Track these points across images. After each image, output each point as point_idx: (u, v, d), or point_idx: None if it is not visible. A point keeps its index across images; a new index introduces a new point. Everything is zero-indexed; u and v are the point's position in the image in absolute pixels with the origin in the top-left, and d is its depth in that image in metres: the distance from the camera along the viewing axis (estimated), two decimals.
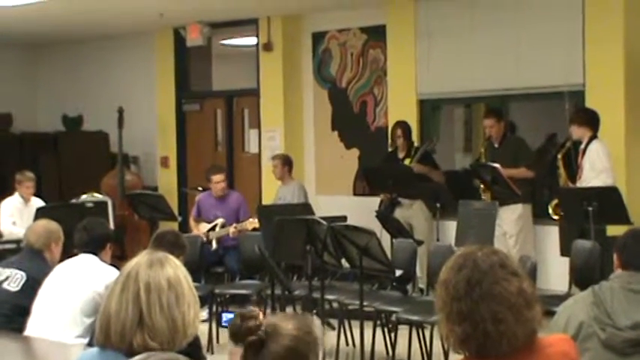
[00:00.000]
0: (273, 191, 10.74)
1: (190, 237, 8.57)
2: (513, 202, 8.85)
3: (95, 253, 5.56)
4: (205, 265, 9.02)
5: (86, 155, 13.34)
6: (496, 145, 9.22)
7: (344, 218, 8.45)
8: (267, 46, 11.65)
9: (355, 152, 11.31)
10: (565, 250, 8.13)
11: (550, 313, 3.45)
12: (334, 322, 8.09)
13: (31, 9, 10.66)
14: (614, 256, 3.82)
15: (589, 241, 7.18)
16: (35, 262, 5.79)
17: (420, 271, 8.76)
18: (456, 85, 10.28)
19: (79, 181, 12.28)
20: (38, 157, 13.39)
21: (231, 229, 9.43)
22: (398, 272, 7.14)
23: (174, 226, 10.05)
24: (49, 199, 10.81)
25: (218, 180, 9.86)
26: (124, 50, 13.64)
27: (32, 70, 14.72)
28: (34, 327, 5.29)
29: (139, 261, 2.84)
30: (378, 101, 11.05)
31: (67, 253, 5.85)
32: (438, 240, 8.82)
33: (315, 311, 7.57)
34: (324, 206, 10.26)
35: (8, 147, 13.56)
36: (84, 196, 10.91)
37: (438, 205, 8.91)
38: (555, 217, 8.61)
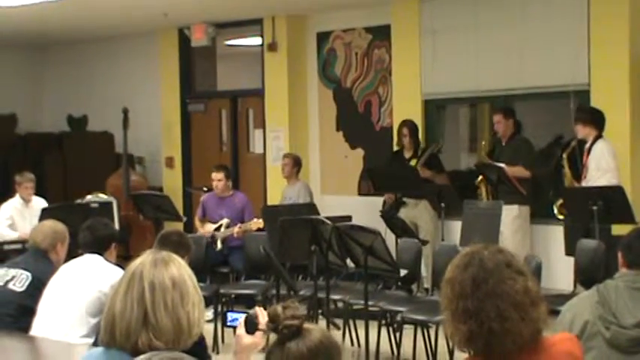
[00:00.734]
0: (278, 191, 10.74)
1: (195, 237, 8.59)
2: (510, 203, 8.79)
3: (100, 254, 5.57)
4: (210, 265, 9.02)
5: (91, 156, 13.36)
6: (503, 144, 9.22)
7: (349, 218, 8.45)
8: (272, 46, 11.66)
9: (360, 152, 11.31)
10: (570, 250, 8.12)
11: (555, 313, 3.45)
12: (339, 321, 8.09)
13: (35, 9, 10.68)
14: (619, 255, 3.82)
15: (594, 241, 7.18)
16: (40, 262, 5.80)
17: (425, 271, 8.76)
18: (460, 85, 10.27)
19: (83, 181, 12.29)
20: (43, 157, 13.41)
21: (236, 229, 9.43)
22: (403, 272, 7.14)
23: (179, 226, 10.07)
24: (54, 200, 10.82)
25: (215, 178, 9.86)
26: (128, 51, 13.65)
27: (37, 70, 14.74)
28: (39, 327, 5.29)
29: (144, 260, 2.84)
30: (383, 101, 11.05)
31: (72, 254, 5.86)
32: (442, 240, 8.82)
33: (320, 311, 7.57)
34: (329, 206, 10.26)
35: (13, 147, 13.59)
36: (89, 197, 10.91)
37: (443, 204, 8.92)
38: (560, 217, 8.60)
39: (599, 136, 8.25)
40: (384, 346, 7.46)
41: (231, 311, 2.85)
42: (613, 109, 8.60)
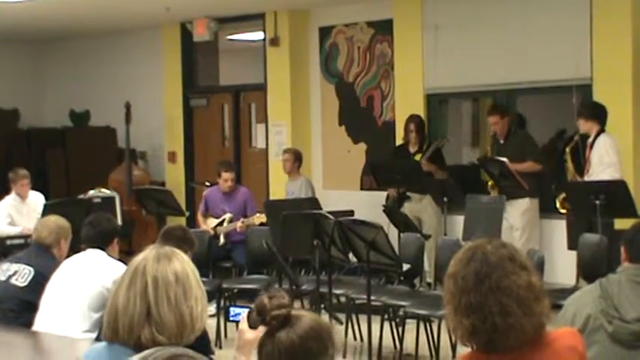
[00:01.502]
0: (280, 186, 10.74)
1: (198, 232, 8.60)
2: (520, 197, 8.86)
3: (102, 248, 5.57)
4: (213, 260, 9.03)
5: (93, 151, 13.36)
6: (502, 141, 9.22)
7: (351, 213, 8.45)
8: (274, 41, 11.65)
9: (362, 147, 11.31)
10: (572, 244, 8.12)
11: (557, 307, 3.44)
12: (342, 316, 8.10)
13: (38, 4, 10.68)
14: (622, 250, 3.81)
15: (596, 235, 7.18)
16: (43, 257, 5.80)
17: (428, 266, 8.76)
18: (463, 79, 10.26)
19: (86, 176, 12.30)
20: (45, 152, 13.42)
21: (239, 224, 9.44)
22: (405, 266, 7.15)
23: (181, 221, 10.07)
24: (56, 195, 10.84)
25: (227, 178, 9.88)
26: (131, 45, 13.65)
27: (39, 65, 14.75)
28: (41, 322, 5.30)
29: (147, 255, 2.84)
30: (385, 96, 11.05)
31: (74, 249, 5.86)
32: (445, 234, 8.82)
33: (322, 306, 7.58)
34: (332, 201, 10.26)
35: (16, 143, 13.60)
36: (91, 192, 10.91)
37: (446, 199, 8.92)
38: (563, 211, 8.60)
39: (601, 131, 8.25)
40: (387, 340, 7.46)
41: (234, 306, 2.86)
42: (616, 103, 8.59)
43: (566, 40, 9.32)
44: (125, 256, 5.44)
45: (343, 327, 7.78)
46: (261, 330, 2.84)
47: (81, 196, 10.72)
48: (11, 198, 10.04)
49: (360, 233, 6.87)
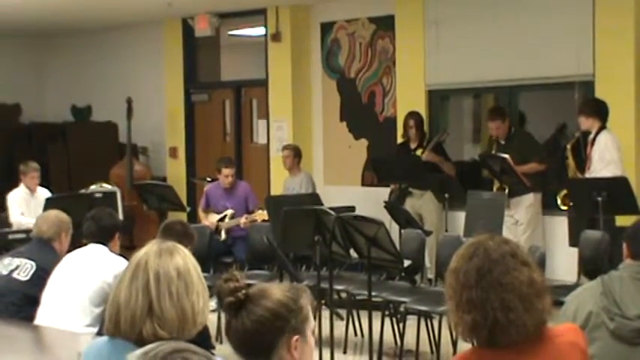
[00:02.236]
0: (281, 181, 10.74)
1: (199, 227, 8.59)
2: (524, 193, 8.86)
3: (104, 243, 5.58)
4: (214, 256, 9.03)
5: (95, 146, 13.36)
6: (502, 142, 9.19)
7: (352, 208, 8.45)
8: (276, 37, 11.65)
9: (364, 142, 11.31)
10: (574, 240, 8.12)
11: (559, 303, 3.44)
12: (343, 312, 8.11)
13: (39, 0, 10.68)
14: (624, 246, 3.81)
15: (598, 231, 7.18)
16: (45, 251, 5.81)
17: (429, 262, 8.76)
18: (464, 76, 10.25)
19: (87, 171, 12.31)
20: (47, 147, 13.42)
21: (242, 220, 9.45)
22: (406, 262, 7.14)
23: (182, 216, 10.08)
24: (57, 190, 10.84)
25: (227, 174, 9.88)
26: (132, 40, 13.64)
27: (41, 60, 14.75)
28: (43, 316, 5.31)
29: (148, 250, 2.85)
30: (387, 91, 11.04)
31: (76, 243, 5.86)
32: (446, 230, 8.82)
33: (323, 301, 7.58)
34: (333, 197, 10.26)
35: (17, 137, 13.61)
36: (93, 187, 10.92)
37: (447, 195, 8.92)
38: (564, 208, 8.60)
39: (602, 128, 8.25)
40: (388, 336, 7.47)
41: None
42: (618, 100, 8.59)
43: (568, 36, 9.31)
44: (126, 251, 5.44)
45: (344, 323, 7.78)
46: None
47: (82, 191, 10.73)
48: (21, 190, 10.08)
49: (361, 229, 6.86)
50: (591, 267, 6.77)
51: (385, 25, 10.92)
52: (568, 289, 4.88)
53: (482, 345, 2.66)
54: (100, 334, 4.29)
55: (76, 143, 13.67)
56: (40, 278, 5.52)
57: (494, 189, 9.07)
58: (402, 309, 7.27)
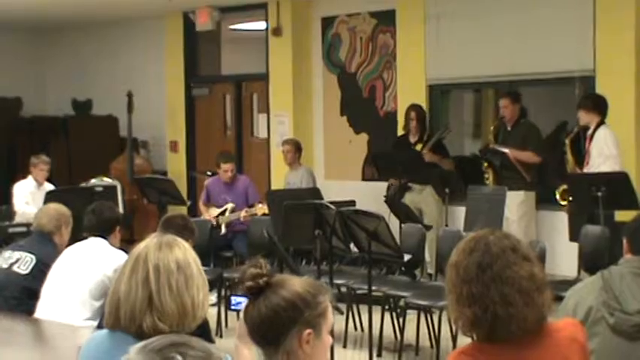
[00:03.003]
0: (282, 176, 10.74)
1: (199, 221, 8.59)
2: (517, 189, 8.81)
3: (104, 237, 5.58)
4: (214, 249, 9.03)
5: (95, 139, 13.37)
6: (509, 128, 9.18)
7: (353, 203, 8.44)
8: (277, 31, 11.64)
9: (364, 137, 11.30)
10: (574, 236, 8.12)
11: (559, 298, 3.44)
12: (343, 306, 8.10)
13: None
14: (624, 242, 3.81)
15: (598, 227, 7.18)
16: (45, 245, 5.81)
17: (429, 256, 8.76)
18: (465, 70, 10.25)
19: (88, 165, 12.31)
20: (48, 141, 13.42)
21: (242, 214, 9.45)
22: (406, 257, 7.15)
23: (183, 210, 10.08)
24: (58, 183, 10.84)
25: (226, 169, 9.89)
26: (133, 34, 13.64)
27: (42, 54, 14.74)
28: (43, 310, 5.31)
29: (148, 244, 2.85)
30: (388, 86, 11.03)
31: (76, 237, 5.87)
32: (446, 225, 8.82)
33: None
34: (333, 191, 10.25)
35: (18, 131, 13.61)
36: (93, 180, 10.92)
37: (447, 190, 8.91)
38: (563, 203, 8.59)
39: (601, 123, 8.24)
40: (387, 331, 7.48)
41: (235, 295, 2.85)
42: (618, 95, 8.58)
43: (569, 31, 9.30)
44: (126, 244, 5.45)
45: (344, 317, 7.79)
46: None
47: (83, 185, 10.73)
48: (29, 183, 10.12)
49: (362, 223, 6.86)
50: (591, 262, 6.77)
51: (386, 19, 10.91)
52: (568, 284, 4.88)
53: (482, 339, 2.67)
54: (100, 327, 4.29)
55: (77, 137, 13.67)
56: (40, 272, 5.52)
57: (489, 182, 9.03)
58: (402, 303, 7.28)
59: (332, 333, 2.64)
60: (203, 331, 3.39)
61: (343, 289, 8.17)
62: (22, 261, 5.69)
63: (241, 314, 2.85)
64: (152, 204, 10.56)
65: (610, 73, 8.94)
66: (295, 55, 11.63)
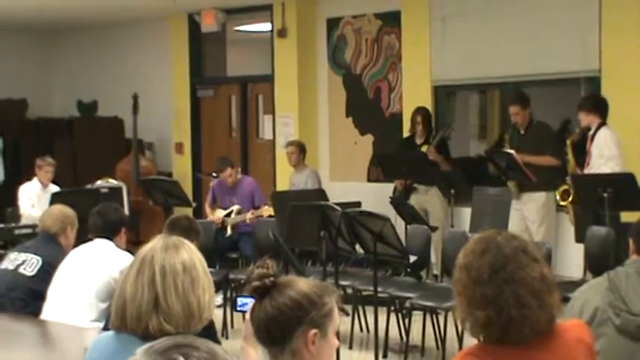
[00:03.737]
0: (287, 177, 10.75)
1: (205, 223, 8.61)
2: (537, 190, 8.77)
3: (110, 238, 5.58)
4: (220, 251, 9.04)
5: (101, 141, 13.38)
6: (522, 132, 9.11)
7: (358, 204, 8.44)
8: (282, 32, 11.64)
9: (369, 138, 11.30)
10: (580, 237, 8.11)
11: (565, 299, 3.44)
12: (348, 307, 8.10)
13: None
14: (630, 242, 3.80)
15: (604, 228, 7.17)
16: (50, 246, 5.82)
17: (435, 257, 8.76)
18: (470, 72, 10.25)
19: (93, 166, 12.32)
20: (53, 142, 13.44)
21: (248, 215, 9.46)
22: (412, 258, 7.14)
23: (188, 211, 10.07)
24: (64, 185, 10.84)
25: (227, 175, 9.90)
26: (138, 36, 13.65)
27: (47, 55, 14.76)
28: (49, 311, 5.32)
29: (154, 245, 2.85)
30: (393, 87, 11.03)
31: (82, 238, 5.87)
32: (452, 226, 8.81)
33: None
34: (338, 193, 10.25)
35: (24, 132, 13.62)
36: (99, 182, 10.93)
37: (453, 191, 8.90)
38: (562, 203, 8.56)
39: (602, 124, 8.22)
40: (393, 332, 7.47)
41: (241, 296, 2.84)
42: (624, 95, 8.58)
43: (574, 32, 9.29)
44: (132, 246, 5.46)
45: (350, 318, 7.79)
46: None
47: (88, 186, 10.74)
48: (35, 185, 10.13)
49: (367, 225, 6.86)
50: (597, 263, 6.76)
51: (391, 20, 10.91)
52: (574, 285, 4.88)
53: (492, 341, 2.64)
54: (106, 329, 4.30)
55: (82, 138, 13.68)
56: (46, 273, 5.53)
57: (508, 184, 8.98)
58: (407, 304, 7.28)
59: (337, 334, 2.64)
60: (209, 333, 3.39)
61: (349, 291, 8.17)
62: (28, 263, 5.70)
63: (247, 315, 2.86)
64: (158, 205, 10.56)
65: (615, 74, 8.92)
66: (300, 57, 11.63)
